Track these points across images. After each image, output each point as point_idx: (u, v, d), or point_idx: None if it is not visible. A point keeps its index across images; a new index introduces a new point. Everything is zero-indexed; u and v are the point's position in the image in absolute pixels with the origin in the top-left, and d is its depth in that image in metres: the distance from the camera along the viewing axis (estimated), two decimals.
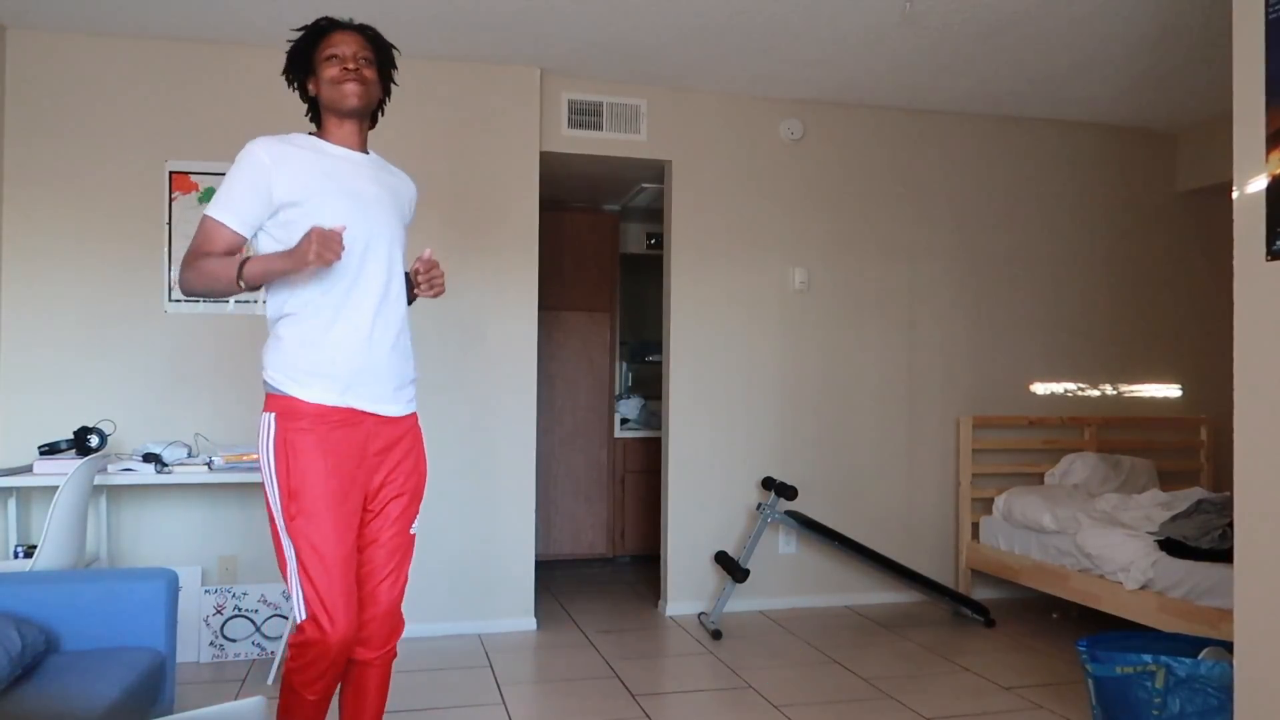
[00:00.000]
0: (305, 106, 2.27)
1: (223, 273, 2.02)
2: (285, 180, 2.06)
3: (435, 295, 2.28)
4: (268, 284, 2.10)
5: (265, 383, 2.12)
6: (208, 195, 3.87)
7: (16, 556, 3.42)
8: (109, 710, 2.01)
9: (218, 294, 2.09)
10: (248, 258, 2.03)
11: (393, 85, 2.30)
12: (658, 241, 6.11)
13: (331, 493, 2.05)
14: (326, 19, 2.22)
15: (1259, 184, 2.35)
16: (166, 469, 3.47)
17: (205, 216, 2.07)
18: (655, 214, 5.82)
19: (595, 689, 3.41)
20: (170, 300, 3.86)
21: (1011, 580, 4.38)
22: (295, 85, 2.25)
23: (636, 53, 4.03)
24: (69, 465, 3.18)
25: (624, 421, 5.79)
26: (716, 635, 4.09)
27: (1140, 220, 5.13)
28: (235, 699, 3.27)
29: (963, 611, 4.45)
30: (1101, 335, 5.05)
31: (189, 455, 3.64)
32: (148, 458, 3.47)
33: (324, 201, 2.08)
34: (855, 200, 4.74)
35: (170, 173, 3.86)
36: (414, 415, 2.31)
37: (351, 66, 2.14)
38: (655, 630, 4.23)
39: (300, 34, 2.21)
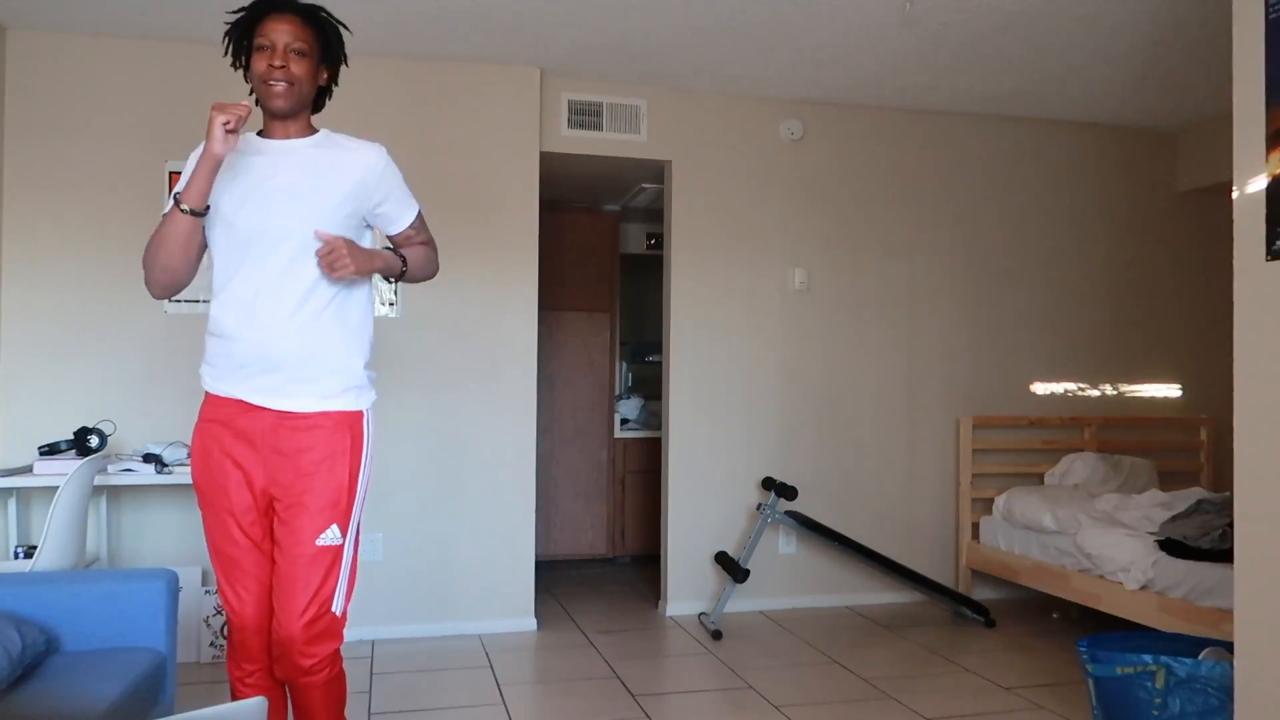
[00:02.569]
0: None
1: (165, 221, 1.99)
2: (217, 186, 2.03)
3: (338, 276, 2.00)
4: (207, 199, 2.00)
5: None
6: None
7: (16, 557, 3.42)
8: (109, 710, 2.01)
9: (171, 251, 1.99)
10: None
11: (343, 66, 2.18)
12: (658, 241, 6.11)
13: (220, 488, 2.06)
14: (261, 3, 2.06)
15: (1259, 184, 2.35)
16: (166, 469, 3.47)
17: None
18: (655, 214, 5.82)
19: (595, 689, 3.41)
20: (170, 300, 3.86)
21: (1011, 580, 4.38)
22: (238, 67, 2.12)
23: (636, 53, 4.03)
24: (69, 466, 3.18)
25: (624, 421, 5.78)
26: (716, 635, 4.08)
27: (1140, 220, 5.13)
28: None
29: (963, 611, 4.45)
30: (1101, 335, 5.05)
31: (189, 455, 3.64)
32: (148, 458, 3.47)
33: (222, 200, 2.02)
34: (855, 200, 4.74)
35: (170, 173, 3.86)
36: (339, 414, 2.09)
37: (278, 63, 2.01)
38: (655, 630, 4.23)
39: (239, 14, 2.08)
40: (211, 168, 1.95)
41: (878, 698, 3.33)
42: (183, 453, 3.59)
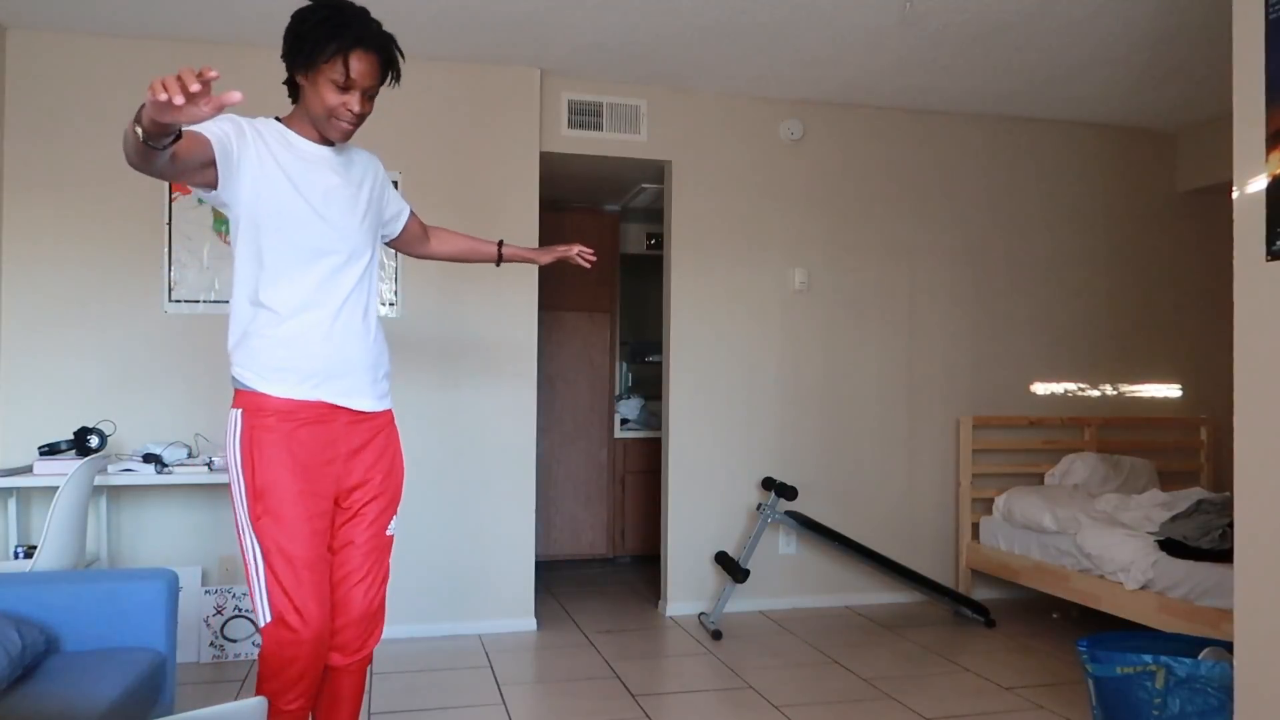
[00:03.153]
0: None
1: (129, 129, 1.68)
2: (253, 158, 1.96)
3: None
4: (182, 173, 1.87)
5: (233, 379, 2.09)
6: None
7: (16, 557, 3.42)
8: (109, 710, 2.01)
9: (132, 157, 1.73)
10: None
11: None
12: (658, 241, 6.11)
13: (299, 492, 2.02)
14: (353, 27, 1.96)
15: (1259, 184, 2.35)
16: (166, 469, 3.47)
17: None
18: (655, 214, 5.82)
19: (595, 689, 3.41)
20: (170, 300, 3.86)
21: (1011, 580, 4.38)
22: (287, 63, 2.03)
23: (636, 53, 4.03)
24: (69, 466, 3.18)
25: (624, 421, 5.78)
26: (716, 635, 4.08)
27: (1140, 220, 5.13)
28: (235, 699, 3.27)
29: (963, 611, 4.45)
30: (1101, 335, 5.05)
31: (189, 455, 3.64)
32: (148, 458, 3.47)
33: (293, 206, 2.00)
34: (855, 200, 4.74)
35: None
36: (388, 413, 2.24)
37: (355, 110, 2.01)
38: (655, 630, 4.23)
39: (321, 19, 1.96)
40: (154, 116, 1.59)
41: (878, 698, 3.33)
42: (183, 453, 3.59)
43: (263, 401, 2.03)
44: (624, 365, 6.18)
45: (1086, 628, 4.17)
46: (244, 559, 2.03)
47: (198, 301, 3.88)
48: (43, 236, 3.77)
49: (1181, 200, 5.18)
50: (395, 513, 2.23)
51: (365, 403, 2.14)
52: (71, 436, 3.48)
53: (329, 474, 2.07)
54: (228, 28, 3.73)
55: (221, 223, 3.89)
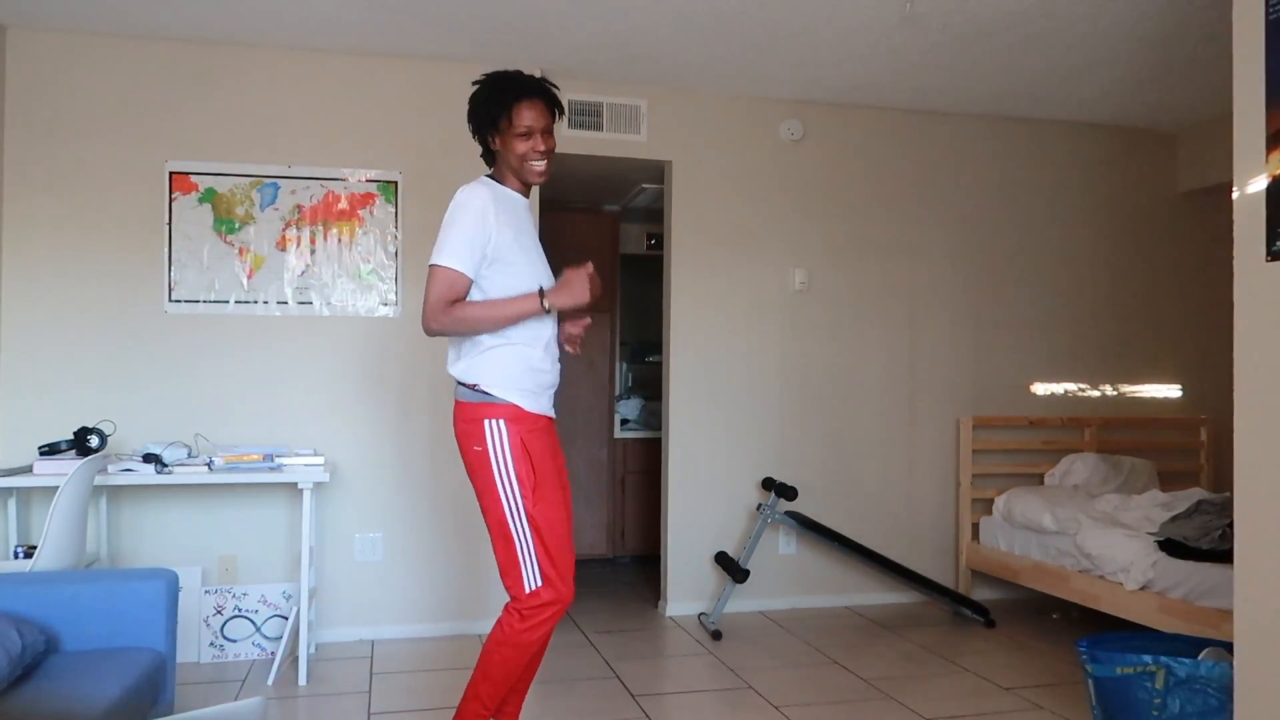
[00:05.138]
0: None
1: (516, 309, 2.33)
2: (497, 237, 2.35)
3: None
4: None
5: (484, 392, 2.37)
6: (208, 195, 3.87)
7: (16, 556, 3.42)
8: (109, 710, 2.01)
9: (484, 331, 2.35)
10: (541, 289, 2.36)
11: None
12: (658, 241, 6.11)
13: (556, 482, 2.45)
14: (515, 86, 2.38)
15: (1259, 184, 2.35)
16: (166, 469, 3.46)
17: (443, 268, 2.31)
18: (655, 214, 5.82)
19: (595, 689, 3.41)
20: (170, 300, 3.86)
21: (1011, 581, 4.38)
22: (478, 137, 2.48)
23: (636, 53, 4.03)
24: (69, 466, 3.18)
25: (624, 422, 5.79)
26: (716, 635, 4.08)
27: (1140, 220, 5.13)
28: (235, 699, 3.28)
29: (963, 612, 4.45)
30: (1101, 335, 5.05)
31: (189, 455, 3.64)
32: (148, 458, 3.46)
33: (521, 258, 2.40)
34: (855, 200, 4.74)
35: (170, 173, 3.86)
36: None
37: (543, 148, 2.40)
38: (655, 630, 4.23)
39: (489, 91, 2.40)
40: (570, 305, 2.38)
41: (878, 698, 3.33)
42: (183, 453, 3.59)
43: (520, 413, 2.39)
44: (624, 365, 6.18)
45: (1086, 628, 4.17)
46: (510, 540, 2.36)
47: (198, 301, 3.88)
48: (43, 236, 3.77)
49: (1181, 200, 5.18)
50: None
51: (553, 412, 2.52)
52: (71, 436, 3.48)
53: (560, 468, 2.51)
54: (229, 28, 3.73)
55: (222, 223, 3.90)
